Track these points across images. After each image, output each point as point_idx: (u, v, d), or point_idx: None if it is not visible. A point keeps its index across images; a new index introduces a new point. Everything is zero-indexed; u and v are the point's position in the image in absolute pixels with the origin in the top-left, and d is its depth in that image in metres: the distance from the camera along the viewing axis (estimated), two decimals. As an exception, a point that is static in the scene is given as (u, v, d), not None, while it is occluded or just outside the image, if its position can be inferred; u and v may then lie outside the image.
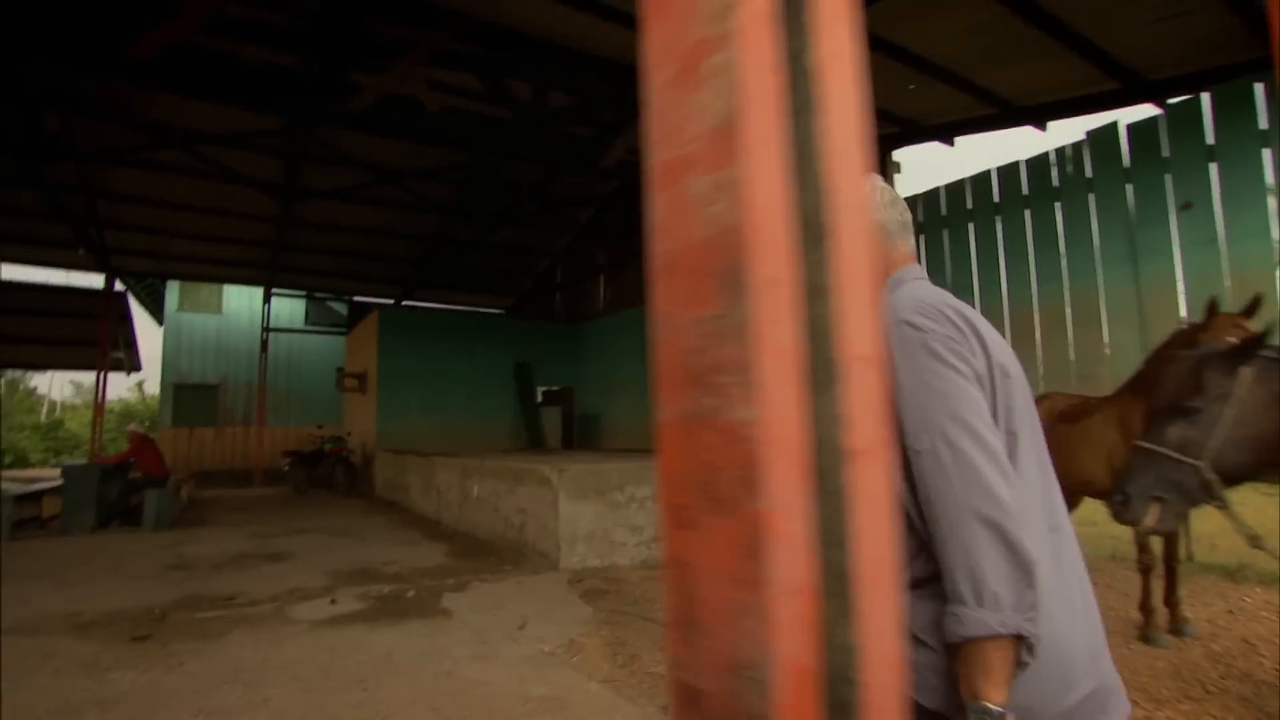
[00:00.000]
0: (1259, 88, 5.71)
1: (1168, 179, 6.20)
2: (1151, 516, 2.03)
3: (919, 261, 1.18)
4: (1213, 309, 3.25)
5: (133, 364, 18.07)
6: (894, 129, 8.45)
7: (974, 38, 6.23)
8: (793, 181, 0.61)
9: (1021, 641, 0.90)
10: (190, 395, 18.52)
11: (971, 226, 7.95)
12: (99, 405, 14.42)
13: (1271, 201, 5.62)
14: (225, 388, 18.93)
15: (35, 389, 36.73)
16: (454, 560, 6.25)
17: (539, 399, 15.03)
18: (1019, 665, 0.91)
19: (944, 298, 1.08)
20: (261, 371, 16.24)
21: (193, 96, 8.76)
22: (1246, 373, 1.99)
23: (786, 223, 0.61)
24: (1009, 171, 7.54)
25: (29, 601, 4.81)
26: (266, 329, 16.23)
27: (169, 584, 5.32)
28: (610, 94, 6.99)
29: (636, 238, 13.12)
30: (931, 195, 8.40)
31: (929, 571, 0.98)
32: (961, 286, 7.86)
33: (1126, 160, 6.54)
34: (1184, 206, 6.04)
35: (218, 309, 19.18)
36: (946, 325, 1.02)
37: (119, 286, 14.56)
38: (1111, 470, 4.01)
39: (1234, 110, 5.85)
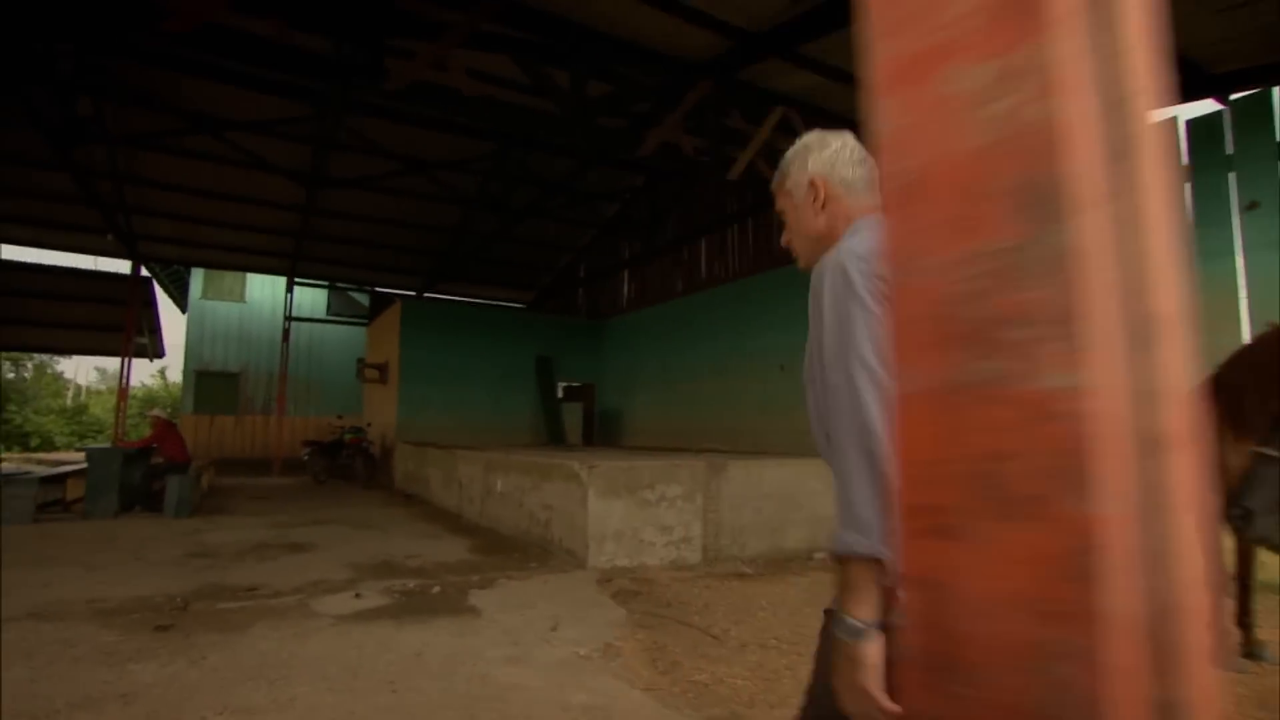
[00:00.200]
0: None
1: (1231, 177, 5.92)
2: None
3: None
4: None
5: (156, 350, 18.17)
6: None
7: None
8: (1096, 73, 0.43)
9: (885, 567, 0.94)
10: (212, 383, 18.63)
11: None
12: (123, 390, 14.49)
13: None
14: (246, 376, 19.02)
15: (62, 373, 37.24)
16: (478, 556, 6.11)
17: (560, 394, 14.91)
18: (894, 591, 0.94)
19: (871, 244, 1.11)
20: (283, 361, 16.24)
21: (221, 81, 8.75)
22: None
23: (1101, 124, 0.43)
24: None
25: (51, 585, 4.73)
26: (289, 318, 16.23)
27: (191, 572, 5.22)
28: (649, 83, 6.82)
29: (662, 233, 12.94)
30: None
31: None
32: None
33: (1185, 158, 6.25)
34: (1249, 206, 5.76)
35: (240, 297, 19.28)
36: (848, 270, 1.07)
37: (144, 273, 14.61)
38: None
39: (1306, 106, 5.58)
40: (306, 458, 13.61)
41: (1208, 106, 6.27)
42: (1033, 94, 0.42)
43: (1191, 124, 6.27)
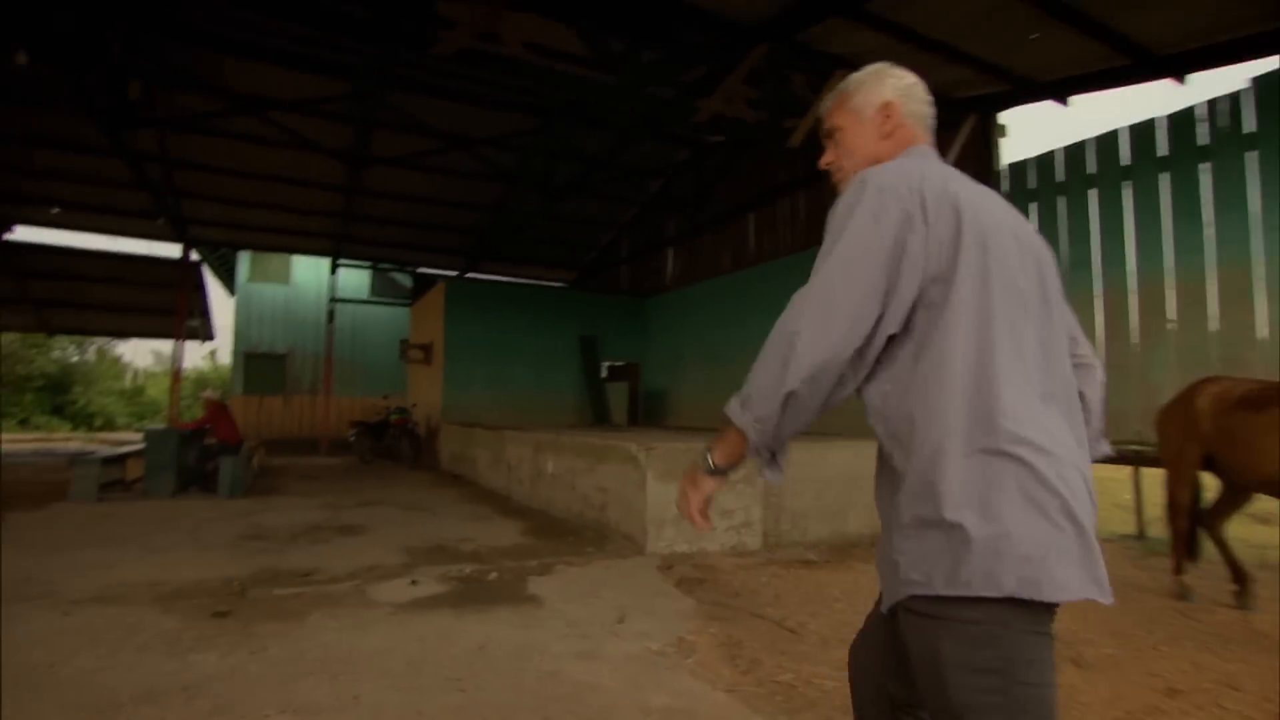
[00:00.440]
0: None
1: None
2: None
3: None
4: None
5: (207, 333, 18.56)
6: (1004, 87, 7.67)
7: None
8: None
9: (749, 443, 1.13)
10: (260, 364, 18.96)
11: (1093, 193, 7.15)
12: (176, 373, 14.79)
13: None
14: (293, 357, 19.30)
15: (121, 356, 38.58)
16: (532, 540, 5.97)
17: (603, 374, 14.74)
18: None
19: (924, 172, 1.12)
20: (328, 342, 16.41)
21: (264, 60, 8.66)
22: None
23: None
24: (1143, 130, 6.72)
25: (114, 567, 4.73)
26: (334, 299, 16.35)
27: (246, 555, 5.19)
28: (706, 44, 6.46)
29: (708, 207, 12.56)
30: (1045, 160, 7.60)
31: (929, 511, 1.03)
32: (1079, 259, 7.11)
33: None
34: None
35: (286, 280, 19.51)
36: (893, 192, 1.08)
37: (194, 256, 14.83)
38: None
39: None
40: (353, 438, 13.74)
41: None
42: None
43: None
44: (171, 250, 14.67)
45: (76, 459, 8.15)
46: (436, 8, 5.42)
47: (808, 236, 10.41)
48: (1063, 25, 6.18)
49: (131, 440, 15.19)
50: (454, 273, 16.71)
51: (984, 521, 0.98)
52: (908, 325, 1.08)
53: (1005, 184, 7.93)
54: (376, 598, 4.07)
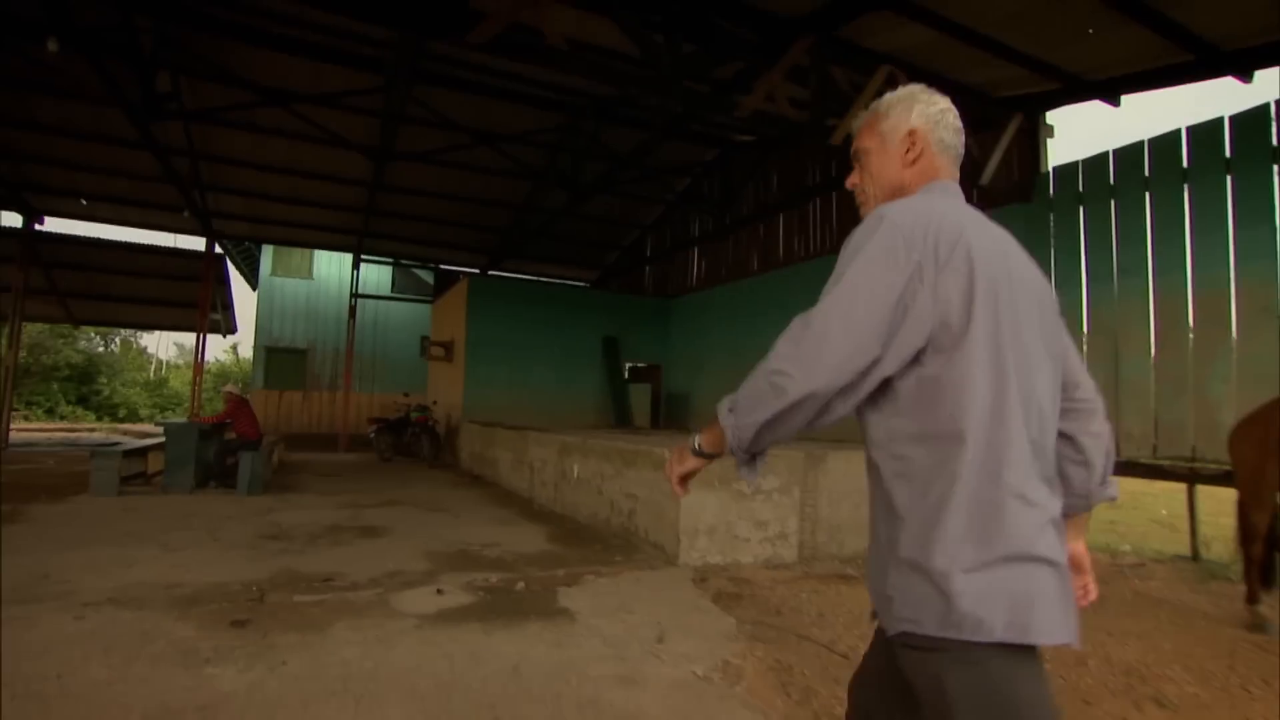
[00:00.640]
0: None
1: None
2: None
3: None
4: None
5: (229, 326, 18.60)
6: (1053, 85, 7.34)
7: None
8: None
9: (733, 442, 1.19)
10: (281, 359, 18.96)
11: (1148, 196, 6.82)
12: (198, 366, 14.79)
13: None
14: (314, 352, 19.29)
15: (145, 348, 39.01)
16: (558, 546, 5.77)
17: (626, 375, 14.52)
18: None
19: (944, 211, 1.13)
20: (349, 337, 16.34)
21: (290, 51, 8.56)
22: None
23: None
24: (1206, 131, 6.38)
25: (132, 567, 4.59)
26: (355, 295, 16.28)
27: (265, 556, 5.03)
28: (746, 38, 6.23)
29: (736, 208, 12.30)
30: (1097, 161, 7.26)
31: (923, 559, 1.06)
32: (1133, 265, 6.78)
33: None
34: None
35: (308, 274, 19.50)
36: (907, 235, 1.08)
37: (218, 250, 14.82)
38: None
39: None
40: (373, 435, 13.63)
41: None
42: None
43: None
44: (196, 244, 14.69)
45: (97, 451, 8.08)
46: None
47: (840, 238, 10.13)
48: (1122, 18, 5.86)
49: (154, 433, 15.22)
50: (476, 270, 16.58)
51: (974, 571, 1.03)
52: (915, 365, 1.10)
53: (1050, 187, 7.61)
54: (400, 608, 3.88)
